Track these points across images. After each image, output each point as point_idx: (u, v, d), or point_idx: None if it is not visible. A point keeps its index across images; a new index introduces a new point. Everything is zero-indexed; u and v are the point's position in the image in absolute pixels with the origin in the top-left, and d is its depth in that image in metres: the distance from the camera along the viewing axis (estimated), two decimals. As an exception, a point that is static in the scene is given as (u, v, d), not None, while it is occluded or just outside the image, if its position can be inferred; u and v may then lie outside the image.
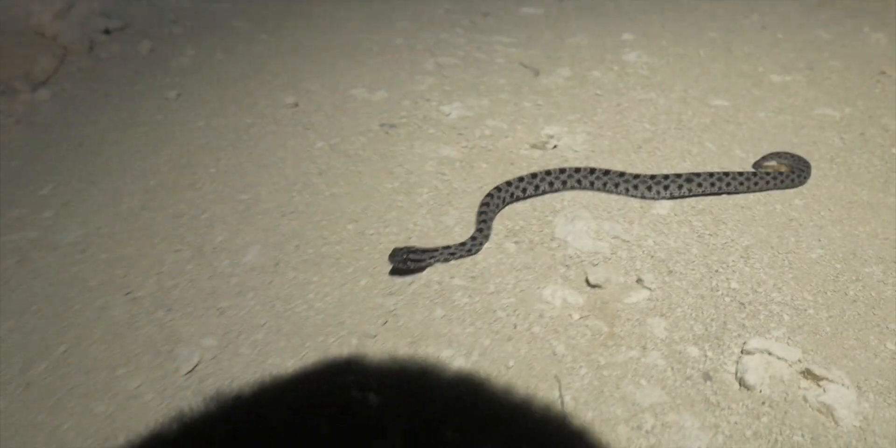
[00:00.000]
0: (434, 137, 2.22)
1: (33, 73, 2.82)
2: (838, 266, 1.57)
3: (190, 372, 1.33)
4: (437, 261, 1.63)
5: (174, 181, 1.98)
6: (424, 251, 1.61)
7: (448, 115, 2.36)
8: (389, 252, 1.55)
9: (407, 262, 1.58)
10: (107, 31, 3.15)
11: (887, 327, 1.40)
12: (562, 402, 1.26)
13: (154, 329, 1.44)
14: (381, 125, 2.30)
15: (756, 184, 1.82)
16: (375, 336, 1.41)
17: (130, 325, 1.45)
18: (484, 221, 1.68)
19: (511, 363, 1.35)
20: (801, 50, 2.86)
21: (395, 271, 1.61)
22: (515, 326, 1.44)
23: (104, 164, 2.09)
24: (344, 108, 2.41)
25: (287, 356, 1.36)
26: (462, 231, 1.73)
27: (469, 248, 1.65)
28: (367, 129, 2.27)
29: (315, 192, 1.92)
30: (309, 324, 1.44)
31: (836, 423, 1.18)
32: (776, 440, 1.15)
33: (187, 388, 1.29)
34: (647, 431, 1.19)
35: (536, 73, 2.71)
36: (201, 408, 1.26)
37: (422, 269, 1.62)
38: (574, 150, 2.13)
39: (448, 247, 1.63)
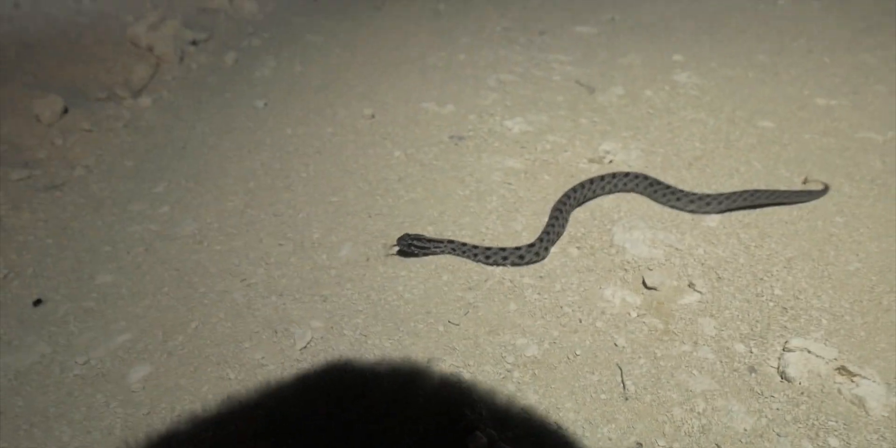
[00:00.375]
0: (499, 150, 2.45)
1: (132, 81, 3.15)
2: (874, 278, 1.75)
3: (304, 348, 1.58)
4: (441, 252, 1.86)
5: (270, 183, 2.26)
6: (430, 240, 1.84)
7: (511, 129, 2.59)
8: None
9: (411, 246, 1.82)
10: (194, 43, 3.48)
11: (918, 334, 1.58)
12: (623, 387, 1.47)
13: (269, 311, 1.70)
14: (451, 137, 2.54)
15: None
16: (459, 324, 1.65)
17: (249, 306, 1.72)
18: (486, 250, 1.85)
19: (578, 352, 1.57)
20: (847, 74, 3.02)
21: (401, 253, 1.86)
22: (580, 321, 1.66)
23: (206, 166, 2.38)
24: (416, 120, 2.66)
25: (384, 338, 1.61)
26: (528, 235, 1.96)
27: (474, 252, 1.84)
28: (438, 140, 2.52)
29: (396, 196, 2.17)
30: (401, 311, 1.69)
31: (866, 412, 1.37)
32: (813, 425, 1.35)
33: (303, 361, 1.55)
34: (698, 413, 1.40)
35: (592, 90, 2.92)
36: (314, 377, 1.51)
37: (425, 254, 1.86)
38: (629, 165, 2.34)
39: (453, 241, 1.85)
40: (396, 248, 1.85)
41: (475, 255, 1.83)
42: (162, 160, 2.44)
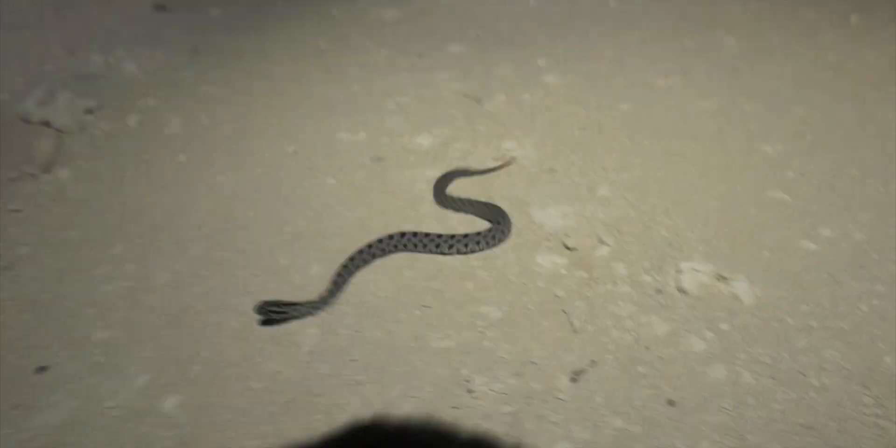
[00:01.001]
0: (416, 163, 2.87)
1: (36, 157, 3.22)
2: (729, 212, 2.36)
3: (310, 351, 1.88)
4: (299, 315, 1.97)
5: (223, 227, 2.51)
6: (293, 304, 1.96)
7: (421, 144, 3.02)
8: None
9: (269, 313, 1.92)
10: (89, 111, 3.59)
11: (763, 243, 2.19)
12: (571, 325, 1.93)
13: (267, 330, 1.98)
14: (371, 159, 2.92)
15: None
16: (431, 307, 2.03)
17: (247, 330, 1.99)
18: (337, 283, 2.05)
19: (530, 307, 2.01)
20: (675, 57, 3.77)
21: (265, 322, 1.98)
22: (525, 284, 2.11)
23: (153, 222, 2.58)
24: (336, 150, 3.01)
25: (375, 329, 1.95)
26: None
27: (321, 305, 2.00)
28: (361, 164, 2.89)
29: (342, 217, 2.52)
30: (380, 306, 2.04)
31: (741, 302, 1.93)
32: (708, 319, 1.88)
33: (312, 361, 1.85)
34: (629, 330, 1.89)
35: (479, 101, 3.43)
36: (325, 368, 1.82)
37: (286, 320, 1.97)
38: (527, 158, 2.84)
39: (310, 301, 1.98)
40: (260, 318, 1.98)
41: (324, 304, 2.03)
42: (105, 226, 2.59)
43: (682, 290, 2.00)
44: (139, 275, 2.29)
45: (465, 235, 2.22)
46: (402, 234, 2.24)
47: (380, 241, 2.25)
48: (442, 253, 2.23)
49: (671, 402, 1.65)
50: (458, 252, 2.22)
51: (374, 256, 2.25)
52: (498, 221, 2.29)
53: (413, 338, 1.92)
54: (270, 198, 2.68)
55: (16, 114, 3.56)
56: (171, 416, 1.72)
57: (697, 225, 2.31)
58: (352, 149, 3.03)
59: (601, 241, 2.25)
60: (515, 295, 2.06)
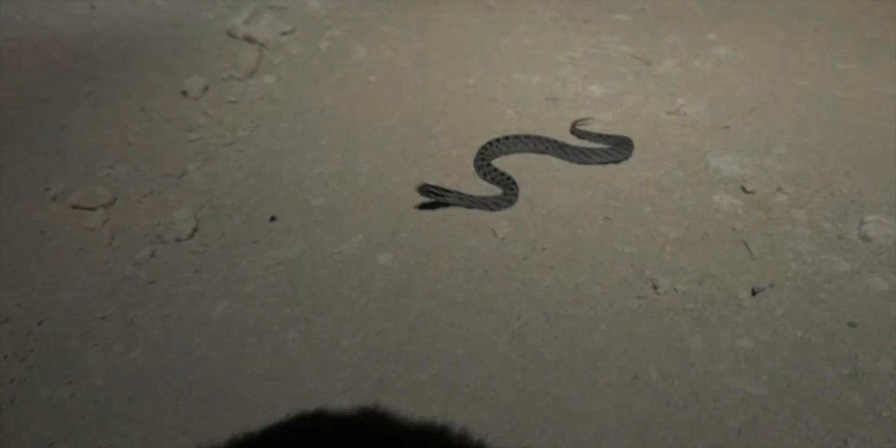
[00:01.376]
0: (590, 108, 3.04)
1: (241, 65, 3.65)
2: (914, 178, 2.39)
3: (503, 237, 2.12)
4: (459, 203, 2.24)
5: (414, 135, 2.80)
6: (448, 190, 2.20)
7: (593, 92, 3.19)
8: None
9: (429, 193, 2.17)
10: (284, 33, 4.00)
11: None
12: (750, 252, 2.06)
13: (463, 217, 2.24)
14: (547, 99, 3.13)
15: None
16: (613, 219, 2.21)
17: (448, 214, 2.25)
18: (506, 183, 2.32)
19: (709, 233, 2.15)
20: (854, 46, 3.72)
21: (425, 204, 2.26)
22: (703, 215, 2.25)
23: (353, 125, 2.90)
24: (512, 87, 3.24)
25: (565, 229, 2.16)
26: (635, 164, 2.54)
27: (492, 204, 2.25)
28: (537, 101, 3.11)
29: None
30: (568, 206, 2.25)
31: (927, 255, 1.99)
32: (893, 265, 1.95)
33: (505, 245, 2.09)
34: (809, 264, 1.99)
35: (648, 63, 3.55)
36: (516, 252, 2.05)
37: (445, 203, 2.24)
38: (699, 115, 2.95)
39: (473, 196, 2.24)
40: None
41: (497, 204, 2.29)
42: (310, 122, 2.95)
43: (865, 238, 2.07)
44: (345, 162, 2.61)
45: (590, 149, 2.55)
46: (538, 137, 2.62)
47: (506, 138, 2.61)
48: (561, 157, 2.58)
49: (852, 324, 1.76)
50: (579, 161, 2.55)
51: (500, 152, 2.59)
52: (622, 145, 2.59)
53: (598, 240, 2.12)
54: (455, 118, 2.95)
55: (223, 29, 4.03)
56: (387, 266, 2.01)
57: (880, 188, 2.35)
58: (527, 88, 3.25)
59: (780, 190, 2.35)
60: (693, 222, 2.21)
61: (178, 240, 2.16)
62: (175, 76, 3.42)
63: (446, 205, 2.29)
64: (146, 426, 1.52)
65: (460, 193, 2.27)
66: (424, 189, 2.19)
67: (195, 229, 2.21)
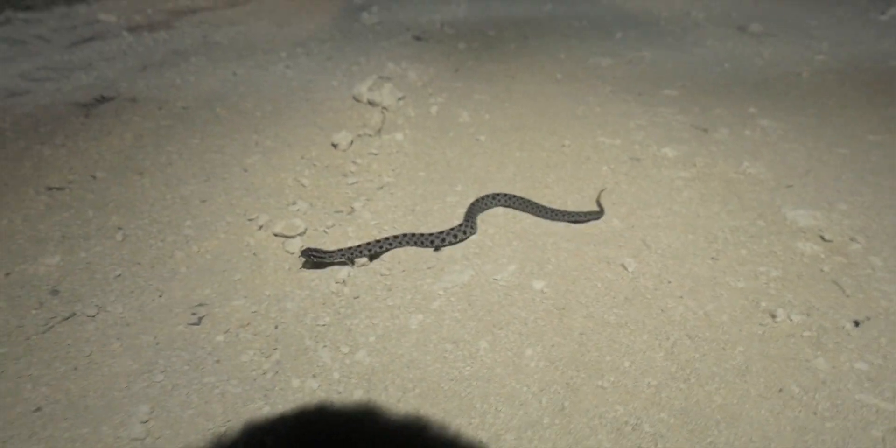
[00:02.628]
0: (669, 166, 3.20)
1: (370, 124, 3.89)
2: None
3: (632, 271, 2.25)
4: (335, 260, 2.18)
5: (531, 185, 2.96)
6: (326, 252, 2.16)
7: (667, 154, 3.35)
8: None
9: (310, 256, 2.13)
10: (401, 99, 4.27)
11: None
12: (842, 291, 2.15)
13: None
14: (630, 158, 3.30)
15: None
16: (718, 259, 2.33)
17: (580, 252, 2.39)
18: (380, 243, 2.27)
19: (803, 274, 2.25)
20: (880, 121, 3.88)
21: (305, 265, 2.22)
22: (792, 259, 2.35)
23: (477, 175, 3.08)
24: (599, 148, 3.42)
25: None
26: (720, 216, 2.67)
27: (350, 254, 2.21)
28: (624, 160, 3.27)
29: (619, 194, 2.89)
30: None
31: None
32: (970, 303, 2.03)
33: (637, 278, 2.21)
34: (895, 301, 2.08)
35: (706, 131, 3.73)
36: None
37: (323, 265, 2.22)
38: (764, 175, 3.09)
39: (354, 248, 2.21)
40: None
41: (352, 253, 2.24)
42: (441, 172, 3.14)
43: (937, 280, 2.16)
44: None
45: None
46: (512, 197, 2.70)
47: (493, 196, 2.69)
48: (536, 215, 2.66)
49: (949, 353, 1.83)
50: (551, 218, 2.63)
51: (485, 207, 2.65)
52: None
53: (711, 277, 2.22)
54: (561, 172, 3.12)
55: (349, 94, 4.31)
56: (543, 291, 2.14)
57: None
58: (610, 149, 3.43)
59: (853, 239, 2.45)
60: (785, 264, 2.31)
61: (363, 265, 2.31)
62: (323, 131, 3.67)
63: (331, 263, 2.25)
64: (385, 413, 1.63)
65: (341, 250, 2.21)
66: (306, 253, 2.16)
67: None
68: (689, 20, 7.46)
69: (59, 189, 2.96)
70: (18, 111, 4.09)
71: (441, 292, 2.13)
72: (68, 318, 1.99)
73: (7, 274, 2.24)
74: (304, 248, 2.20)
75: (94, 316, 2.00)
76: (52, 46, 6.19)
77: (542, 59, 5.57)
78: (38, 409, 1.62)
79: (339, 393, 1.70)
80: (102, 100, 4.34)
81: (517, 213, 2.72)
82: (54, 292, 2.14)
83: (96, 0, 9.46)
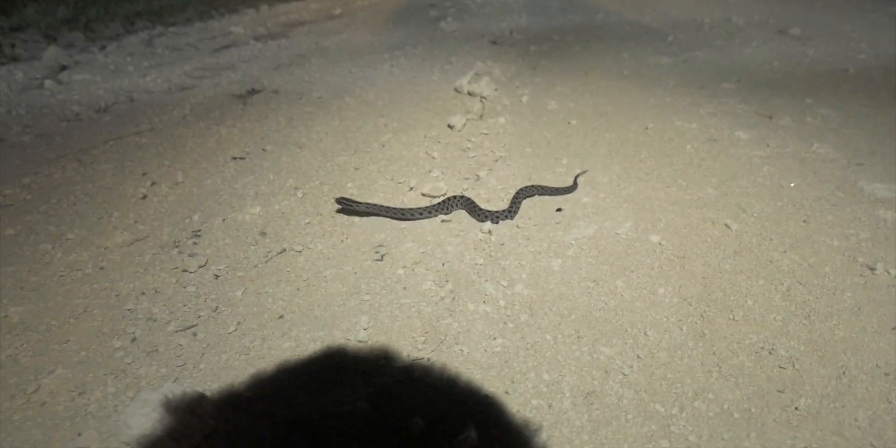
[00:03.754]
0: (746, 146, 3.05)
1: (473, 110, 3.87)
2: None
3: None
4: (368, 211, 2.17)
5: (622, 152, 2.90)
6: (357, 202, 2.15)
7: (741, 137, 3.19)
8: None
9: (342, 203, 2.12)
10: (495, 89, 4.21)
11: None
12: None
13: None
14: (708, 140, 3.16)
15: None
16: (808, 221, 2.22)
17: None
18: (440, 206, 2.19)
19: (891, 237, 2.12)
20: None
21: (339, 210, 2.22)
22: (877, 225, 2.22)
23: (576, 152, 3.03)
24: (678, 130, 3.29)
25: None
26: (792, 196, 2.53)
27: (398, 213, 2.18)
28: (703, 140, 3.14)
29: (705, 169, 2.79)
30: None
31: None
32: None
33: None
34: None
35: (770, 117, 3.53)
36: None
37: (356, 212, 2.19)
38: (833, 155, 2.91)
39: (381, 206, 2.18)
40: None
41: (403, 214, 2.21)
42: (545, 149, 3.11)
43: None
44: (589, 175, 2.74)
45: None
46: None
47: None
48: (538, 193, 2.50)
49: None
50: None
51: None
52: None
53: (807, 236, 2.13)
54: (649, 149, 3.04)
55: (450, 87, 4.29)
56: (661, 244, 2.11)
57: None
58: (689, 131, 3.29)
59: None
60: (871, 229, 2.19)
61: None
62: (437, 116, 3.68)
63: (361, 213, 2.25)
64: (552, 332, 1.66)
65: (368, 204, 2.18)
66: (340, 200, 2.16)
67: (506, 213, 2.38)
68: (731, 25, 6.99)
69: (241, 158, 3.11)
70: (192, 101, 4.29)
71: (573, 242, 2.14)
72: (280, 252, 2.12)
73: (223, 220, 2.39)
74: (338, 198, 2.19)
75: (300, 251, 2.12)
76: (200, 52, 6.43)
77: (607, 59, 5.37)
78: (281, 317, 1.74)
79: (508, 316, 1.75)
80: (253, 92, 4.50)
81: (623, 180, 2.67)
82: (263, 234, 2.27)
83: (225, 16, 9.72)
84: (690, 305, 1.75)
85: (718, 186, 2.55)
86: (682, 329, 1.65)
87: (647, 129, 3.34)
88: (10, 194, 2.76)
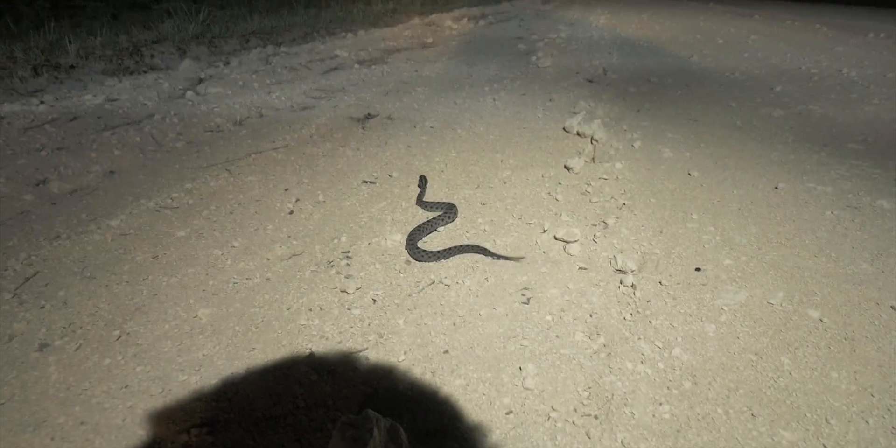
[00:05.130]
0: (890, 218, 2.87)
1: (584, 152, 3.90)
2: None
3: None
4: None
5: (759, 220, 2.80)
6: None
7: (884, 206, 3.00)
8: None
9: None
10: (605, 131, 4.22)
11: None
12: None
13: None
14: (848, 207, 3.00)
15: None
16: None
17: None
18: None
19: None
20: None
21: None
22: None
23: (705, 205, 2.97)
24: (813, 195, 3.15)
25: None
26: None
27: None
28: (842, 207, 2.98)
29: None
30: None
31: None
32: None
33: None
34: None
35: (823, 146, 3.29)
36: None
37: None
38: None
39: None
40: None
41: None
42: (670, 200, 3.06)
43: None
44: (722, 235, 2.66)
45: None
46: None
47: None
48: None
49: None
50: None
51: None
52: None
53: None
54: (784, 211, 2.91)
55: (559, 126, 4.36)
56: (820, 320, 2.00)
57: None
58: (825, 196, 3.14)
59: None
60: None
61: (625, 271, 2.31)
62: (551, 155, 3.75)
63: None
64: (724, 405, 1.61)
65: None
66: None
67: (640, 267, 2.36)
68: (844, 77, 6.66)
69: (371, 183, 3.30)
70: (316, 121, 4.63)
71: (724, 308, 2.08)
72: (430, 284, 2.21)
73: (368, 243, 2.53)
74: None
75: (449, 286, 2.20)
76: (313, 73, 6.94)
77: (714, 106, 5.27)
78: (446, 352, 1.81)
79: (670, 381, 1.72)
80: (370, 116, 4.79)
81: (762, 243, 2.58)
82: (408, 263, 2.38)
83: (327, 39, 10.46)
84: (873, 396, 1.65)
85: (873, 261, 2.41)
86: (868, 422, 1.55)
87: (776, 188, 3.22)
88: (177, 197, 3.08)
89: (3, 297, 2.15)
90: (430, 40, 10.35)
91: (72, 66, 7.15)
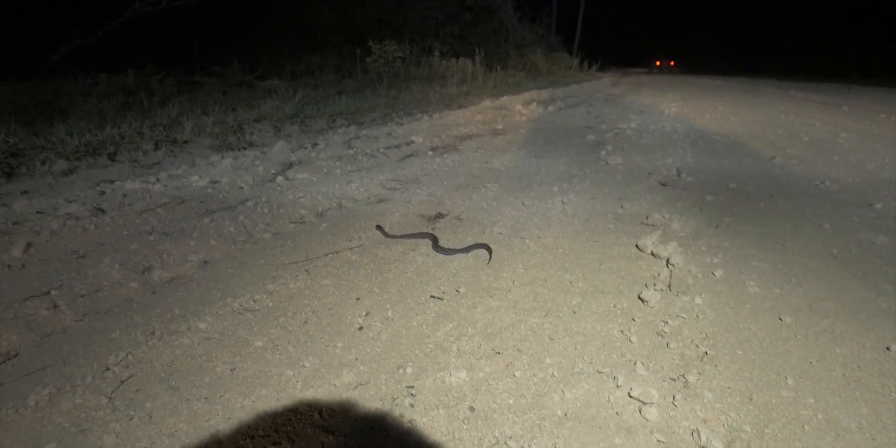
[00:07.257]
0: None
1: (660, 278, 3.79)
2: None
3: None
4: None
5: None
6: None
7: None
8: None
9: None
10: (679, 254, 4.11)
11: None
12: None
13: None
14: (889, 349, 2.62)
15: None
16: None
17: None
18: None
19: None
20: None
21: None
22: None
23: (802, 362, 2.73)
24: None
25: None
26: None
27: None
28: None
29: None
30: None
31: None
32: None
33: None
34: None
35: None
36: None
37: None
38: None
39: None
40: None
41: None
42: (759, 352, 2.85)
43: None
44: (826, 415, 2.41)
45: None
46: None
47: None
48: None
49: None
50: None
51: None
52: None
53: None
54: (868, 356, 2.61)
55: (631, 243, 4.33)
56: None
57: None
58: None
59: None
60: None
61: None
62: (623, 280, 3.69)
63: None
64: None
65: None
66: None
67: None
68: (959, 196, 6.15)
69: (438, 298, 3.41)
70: (389, 218, 4.96)
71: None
72: (494, 444, 2.15)
73: (433, 379, 2.55)
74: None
75: (515, 449, 2.14)
76: (390, 160, 7.56)
77: (804, 226, 5.03)
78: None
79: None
80: (440, 216, 5.06)
81: (877, 431, 2.30)
82: (472, 409, 2.36)
83: (404, 119, 11.49)
84: None
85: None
86: None
87: (888, 349, 2.92)
88: (259, 299, 3.34)
89: (100, 402, 2.38)
90: (500, 127, 11.05)
91: (185, 142, 8.35)
